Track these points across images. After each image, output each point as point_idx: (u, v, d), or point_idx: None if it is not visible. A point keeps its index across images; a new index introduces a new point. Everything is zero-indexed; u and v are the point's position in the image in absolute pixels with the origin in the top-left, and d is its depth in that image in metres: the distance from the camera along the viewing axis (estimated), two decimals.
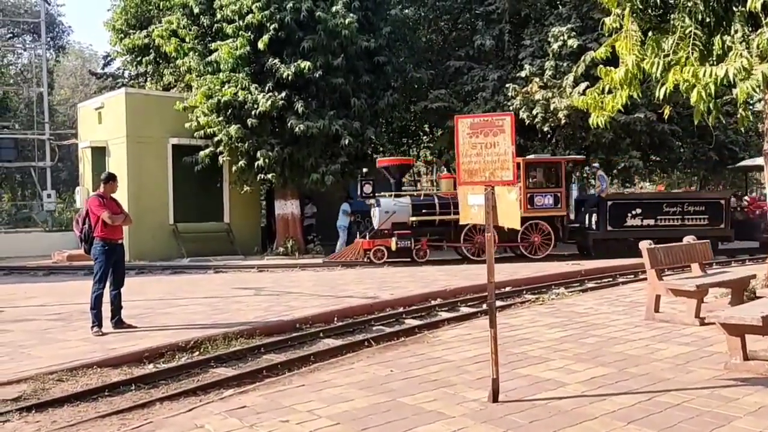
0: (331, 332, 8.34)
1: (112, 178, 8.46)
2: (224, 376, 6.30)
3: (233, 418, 4.53)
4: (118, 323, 8.21)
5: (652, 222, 18.06)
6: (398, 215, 17.48)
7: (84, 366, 6.43)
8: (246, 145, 20.03)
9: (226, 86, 19.92)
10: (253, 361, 7.06)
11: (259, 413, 4.61)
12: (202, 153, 20.81)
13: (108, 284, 8.12)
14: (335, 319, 9.01)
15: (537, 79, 20.26)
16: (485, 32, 22.49)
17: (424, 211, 17.69)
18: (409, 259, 17.37)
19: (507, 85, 20.91)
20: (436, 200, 17.98)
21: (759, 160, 20.13)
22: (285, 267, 16.93)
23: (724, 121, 10.64)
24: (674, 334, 6.91)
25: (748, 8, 6.64)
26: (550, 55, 20.57)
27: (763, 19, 6.61)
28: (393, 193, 17.95)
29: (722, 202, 18.69)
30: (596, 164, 18.84)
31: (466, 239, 17.49)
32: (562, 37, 20.24)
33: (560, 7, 22.37)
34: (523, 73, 20.84)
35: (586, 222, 18.47)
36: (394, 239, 17.18)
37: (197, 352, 7.21)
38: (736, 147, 24.26)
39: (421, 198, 18.39)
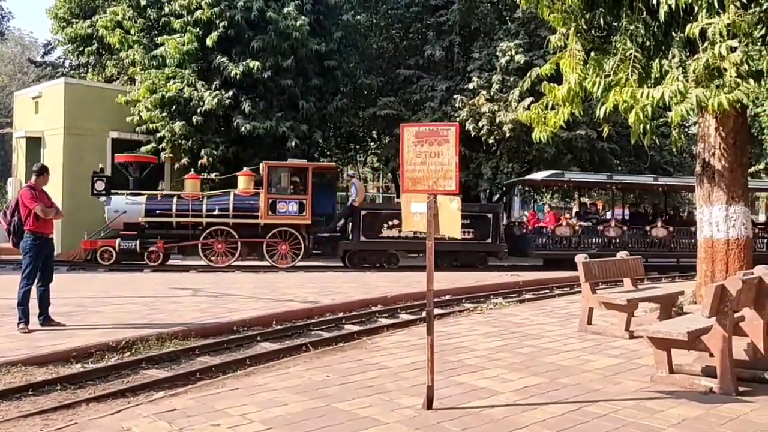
0: (269, 336, 8.25)
1: (45, 171, 8.15)
2: (155, 378, 6.14)
3: (162, 420, 4.41)
4: (46, 320, 7.91)
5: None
6: (129, 215, 16.67)
7: (8, 363, 6.17)
8: (190, 142, 19.69)
9: (172, 82, 19.55)
10: (187, 363, 6.90)
11: (189, 416, 4.51)
12: (143, 149, 20.32)
13: (36, 280, 7.82)
14: (274, 322, 8.91)
15: (484, 92, 20.62)
16: (435, 43, 22.77)
17: (158, 212, 16.89)
18: (142, 262, 16.64)
19: (455, 96, 21.20)
20: (175, 202, 17.08)
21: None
22: (225, 268, 16.65)
23: (658, 142, 11.05)
24: (605, 346, 7.11)
25: (686, 34, 6.93)
26: (498, 69, 20.98)
27: (700, 45, 6.91)
28: (130, 192, 17.11)
29: (490, 216, 18.24)
30: (351, 173, 18.56)
31: (206, 246, 16.92)
32: (509, 52, 20.67)
33: (509, 22, 22.85)
34: (471, 85, 21.18)
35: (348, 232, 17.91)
36: (117, 240, 16.48)
37: (128, 353, 7.01)
38: (671, 167, 25.22)
39: (158, 199, 17.27)
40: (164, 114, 19.80)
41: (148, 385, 5.89)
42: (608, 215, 22.91)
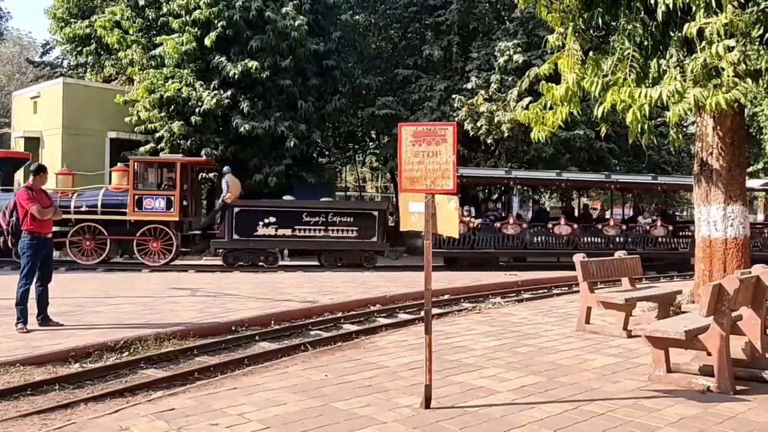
0: (268, 335, 8.25)
1: (42, 170, 8.14)
2: (154, 378, 6.14)
3: (160, 420, 4.42)
4: (45, 320, 7.90)
5: (288, 232, 16.85)
6: None
7: (6, 363, 6.17)
8: (188, 142, 19.69)
9: (170, 82, 19.56)
10: (185, 363, 6.91)
11: (188, 416, 4.51)
12: (142, 149, 20.33)
13: (35, 280, 7.82)
14: (272, 322, 8.91)
15: (483, 92, 20.63)
16: (434, 43, 22.79)
17: None
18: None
19: (453, 96, 21.20)
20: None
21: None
22: (224, 268, 16.64)
23: (657, 142, 11.05)
24: (603, 345, 7.12)
25: (684, 34, 6.93)
26: (496, 69, 20.99)
27: (698, 44, 6.91)
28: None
29: (375, 213, 17.51)
30: (226, 168, 17.34)
31: (74, 243, 16.38)
32: (508, 52, 20.68)
33: (507, 22, 22.87)
34: (469, 85, 21.18)
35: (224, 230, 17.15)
36: None
37: (127, 353, 7.01)
38: (669, 167, 25.24)
39: None
40: (163, 114, 19.80)
41: (146, 385, 5.89)
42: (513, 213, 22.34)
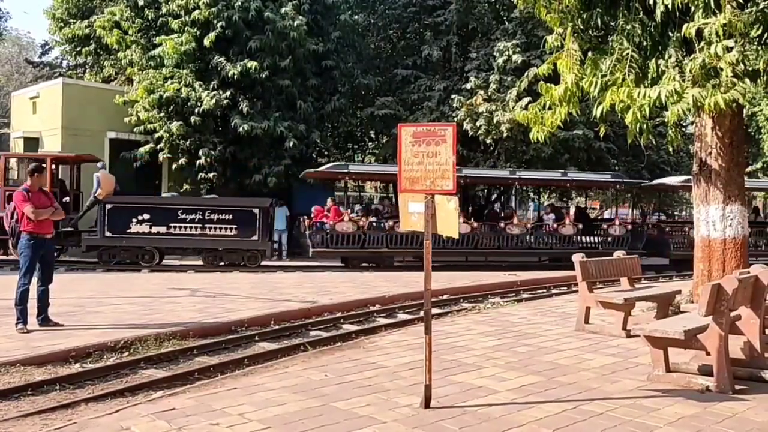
0: (268, 336, 8.26)
1: (38, 170, 8.12)
2: (154, 378, 6.16)
3: (161, 420, 4.43)
4: (45, 321, 7.91)
5: (163, 229, 16.24)
6: None
7: (6, 364, 6.18)
8: (187, 142, 19.69)
9: (169, 82, 19.56)
10: (185, 363, 6.92)
11: (188, 416, 4.52)
12: (141, 149, 20.33)
13: (35, 280, 7.83)
14: (272, 322, 8.92)
15: (482, 92, 20.64)
16: (433, 43, 22.80)
17: None
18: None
19: (452, 96, 21.21)
20: None
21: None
22: (223, 268, 16.65)
23: (655, 142, 11.06)
24: (602, 345, 7.13)
25: (682, 34, 6.94)
26: (495, 69, 21.00)
27: (696, 45, 6.93)
28: None
29: (257, 211, 16.84)
30: (101, 163, 16.86)
31: None
32: (507, 52, 20.68)
33: (506, 22, 22.89)
34: (468, 85, 21.19)
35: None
36: None
37: (127, 353, 7.02)
38: (668, 167, 25.26)
39: None
40: (162, 114, 19.81)
41: (146, 385, 5.91)
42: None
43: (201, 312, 9.25)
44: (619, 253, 8.71)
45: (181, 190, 20.60)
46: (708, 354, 5.33)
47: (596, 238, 19.48)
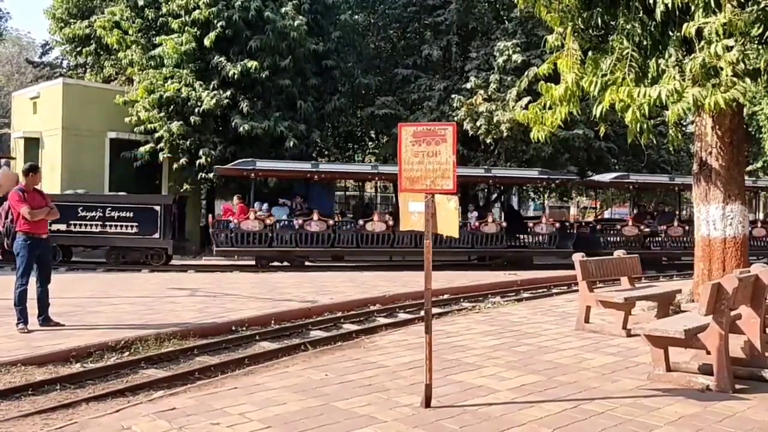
0: (268, 335, 8.27)
1: (33, 170, 8.10)
2: (154, 378, 6.16)
3: (162, 420, 4.43)
4: (45, 321, 7.91)
5: (63, 227, 15.72)
6: None
7: (7, 363, 6.19)
8: (188, 142, 19.70)
9: (169, 82, 19.57)
10: (186, 362, 6.92)
11: (189, 415, 4.52)
12: (141, 149, 20.33)
13: (34, 280, 7.84)
14: (272, 322, 8.93)
15: (482, 92, 20.63)
16: (433, 42, 22.79)
17: None
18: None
19: (452, 96, 21.21)
20: None
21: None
22: (224, 268, 16.66)
23: (656, 141, 11.05)
24: (602, 344, 7.13)
25: (683, 33, 6.94)
26: (495, 69, 21.00)
27: (696, 44, 6.93)
28: None
29: (158, 208, 16.46)
30: (3, 160, 16.23)
31: None
32: (507, 52, 20.68)
33: (506, 22, 22.88)
34: (468, 85, 21.19)
35: None
36: None
37: (127, 353, 7.03)
38: (668, 166, 25.25)
39: None
40: (162, 114, 19.81)
41: (147, 385, 5.91)
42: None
43: (201, 312, 9.25)
44: (619, 253, 8.71)
45: (182, 190, 20.61)
46: (708, 353, 5.33)
47: (525, 236, 19.09)
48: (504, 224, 18.62)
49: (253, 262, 17.63)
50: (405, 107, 22.89)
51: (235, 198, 18.27)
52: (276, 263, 17.57)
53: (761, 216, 29.92)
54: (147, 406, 4.79)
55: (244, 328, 8.51)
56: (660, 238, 20.05)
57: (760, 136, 22.12)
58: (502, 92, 20.64)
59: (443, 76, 23.19)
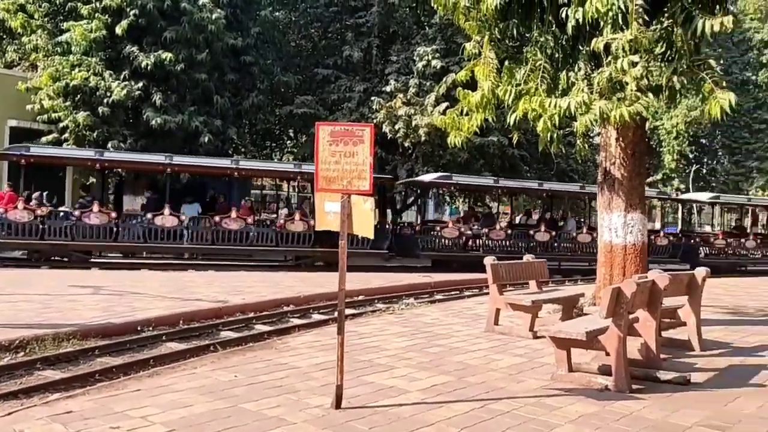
0: (176, 336, 8.01)
1: None
2: (51, 379, 5.85)
3: (57, 423, 4.20)
4: None
5: None
6: None
7: None
8: (95, 134, 18.88)
9: (77, 70, 18.69)
10: (86, 363, 6.61)
11: (86, 419, 4.31)
12: (44, 139, 19.30)
13: None
14: (181, 322, 8.65)
15: (401, 95, 20.85)
16: (354, 44, 22.83)
17: None
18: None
19: (372, 98, 21.32)
20: None
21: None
22: (131, 266, 16.04)
23: (565, 151, 11.48)
24: (510, 345, 7.33)
25: (592, 48, 7.25)
26: (415, 73, 21.27)
27: (604, 59, 7.25)
28: None
29: None
30: None
31: None
32: (426, 57, 21.00)
33: (427, 28, 23.20)
34: (388, 88, 21.36)
35: None
36: None
37: (22, 353, 6.63)
38: (576, 175, 26.34)
39: None
40: (68, 103, 18.89)
41: (42, 387, 5.62)
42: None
43: (105, 311, 8.86)
44: (528, 257, 8.99)
45: (87, 184, 19.70)
46: (608, 354, 5.57)
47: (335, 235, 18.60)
48: (312, 222, 16.93)
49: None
50: (324, 107, 22.82)
51: (5, 185, 17.01)
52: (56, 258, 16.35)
53: (658, 225, 31.64)
54: (42, 409, 4.54)
55: (151, 328, 8.21)
56: (481, 241, 19.72)
57: (661, 149, 23.47)
58: (421, 97, 20.92)
59: (363, 78, 23.26)
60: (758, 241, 24.68)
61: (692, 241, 23.56)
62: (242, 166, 17.97)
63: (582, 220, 23.82)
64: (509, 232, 19.83)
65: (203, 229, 17.17)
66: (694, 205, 28.91)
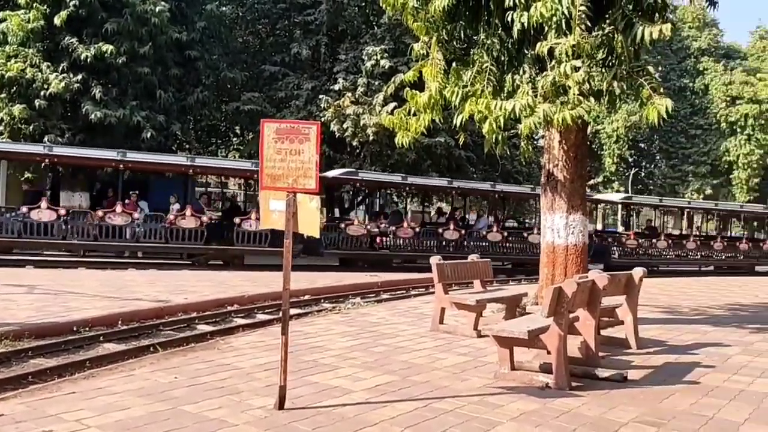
0: (114, 336, 7.78)
1: None
2: None
3: None
4: None
5: None
6: None
7: None
8: (31, 127, 18.21)
9: (13, 61, 17.98)
10: (18, 365, 6.36)
11: (18, 422, 4.14)
12: None
13: None
14: (119, 322, 8.41)
15: (349, 94, 20.82)
16: (302, 41, 22.68)
17: None
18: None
19: (320, 97, 21.23)
20: None
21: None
22: (68, 264, 15.51)
23: (509, 153, 11.66)
24: (455, 344, 7.40)
25: (536, 52, 7.38)
26: (363, 73, 21.27)
27: (548, 63, 7.38)
28: None
29: None
30: None
31: None
32: (375, 57, 21.03)
33: (376, 27, 23.25)
34: (336, 87, 21.30)
35: None
36: None
37: None
38: (520, 176, 26.81)
39: None
40: (3, 95, 18.17)
41: None
42: None
43: (39, 311, 8.54)
44: (473, 257, 9.09)
45: (22, 179, 18.97)
46: (549, 353, 5.68)
47: (237, 233, 17.19)
48: (204, 219, 16.97)
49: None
50: (272, 104, 22.60)
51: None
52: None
53: (600, 227, 32.49)
54: None
55: (88, 329, 7.95)
56: (389, 239, 19.51)
57: (602, 152, 24.11)
58: (369, 96, 20.94)
59: (311, 76, 23.14)
60: (669, 242, 25.34)
61: (604, 242, 23.84)
62: (198, 163, 17.48)
63: (500, 218, 23.73)
64: (417, 230, 19.86)
65: (85, 224, 16.25)
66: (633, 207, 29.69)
